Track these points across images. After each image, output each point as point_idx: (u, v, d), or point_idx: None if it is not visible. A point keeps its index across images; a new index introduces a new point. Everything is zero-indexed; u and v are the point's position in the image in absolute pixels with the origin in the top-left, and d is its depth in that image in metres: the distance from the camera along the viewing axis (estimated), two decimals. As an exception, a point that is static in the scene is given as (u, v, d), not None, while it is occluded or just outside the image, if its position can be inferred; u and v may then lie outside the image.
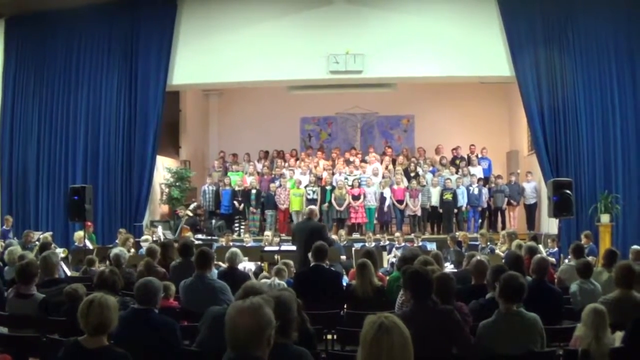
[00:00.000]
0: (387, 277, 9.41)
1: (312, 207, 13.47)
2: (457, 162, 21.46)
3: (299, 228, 12.44)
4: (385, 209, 19.79)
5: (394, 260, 15.12)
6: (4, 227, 17.82)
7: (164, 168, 21.56)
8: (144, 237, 16.51)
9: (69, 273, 12.07)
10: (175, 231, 18.86)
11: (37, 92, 19.64)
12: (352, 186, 19.82)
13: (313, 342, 5.56)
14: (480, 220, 20.16)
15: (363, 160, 21.67)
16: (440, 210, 19.82)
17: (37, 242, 14.99)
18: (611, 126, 17.44)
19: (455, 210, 19.76)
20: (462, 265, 10.46)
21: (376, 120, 25.50)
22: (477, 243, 15.67)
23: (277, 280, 8.88)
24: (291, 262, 10.52)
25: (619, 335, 6.03)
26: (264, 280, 8.94)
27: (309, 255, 9.15)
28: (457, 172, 20.66)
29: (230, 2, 19.18)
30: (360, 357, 3.38)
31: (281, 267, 9.64)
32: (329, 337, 7.33)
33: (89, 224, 17.32)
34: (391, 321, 3.35)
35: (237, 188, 20.50)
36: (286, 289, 5.69)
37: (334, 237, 17.23)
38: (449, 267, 12.48)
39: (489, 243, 15.50)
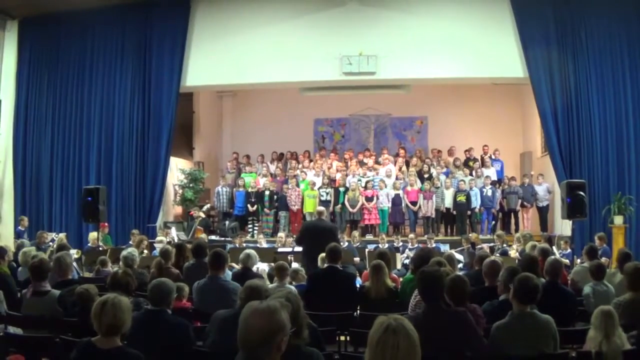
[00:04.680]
0: (401, 279, 9.41)
1: (321, 207, 13.50)
2: (471, 163, 21.40)
3: (314, 227, 12.46)
4: (404, 209, 19.80)
5: (407, 261, 15.14)
6: (19, 227, 17.93)
7: (177, 169, 21.63)
8: (158, 238, 16.56)
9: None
10: (188, 232, 18.89)
11: (51, 93, 19.70)
12: (365, 188, 19.83)
13: (321, 344, 5.54)
14: (493, 222, 20.06)
15: (376, 162, 21.68)
16: (454, 212, 19.79)
17: (50, 243, 15.04)
18: (624, 127, 17.38)
19: (469, 212, 19.71)
20: (474, 267, 10.44)
21: (389, 121, 25.49)
22: (490, 244, 15.71)
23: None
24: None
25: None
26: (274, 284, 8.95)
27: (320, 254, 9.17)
28: (470, 174, 20.58)
29: (244, 3, 19.18)
30: (366, 358, 3.38)
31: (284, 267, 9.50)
32: (342, 338, 7.33)
33: (105, 224, 17.39)
34: (399, 323, 3.35)
35: (250, 189, 20.54)
36: (290, 290, 5.67)
37: (346, 238, 17.32)
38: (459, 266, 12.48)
39: (504, 244, 15.51)
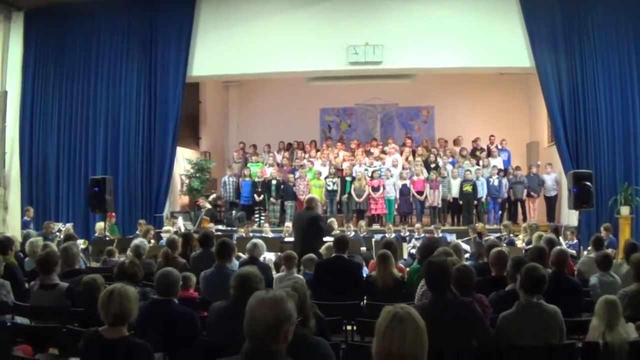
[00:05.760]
0: (407, 269, 9.41)
1: (312, 195, 13.51)
2: (477, 153, 21.38)
3: (297, 217, 12.53)
4: (411, 199, 19.79)
5: (413, 251, 15.13)
6: (25, 217, 17.95)
7: (184, 159, 21.61)
8: (164, 228, 16.60)
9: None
10: (195, 222, 18.90)
11: (57, 84, 19.67)
12: (372, 177, 19.81)
13: (326, 333, 5.53)
14: (500, 212, 20.06)
15: (383, 152, 21.67)
16: (460, 202, 19.77)
17: (57, 233, 15.06)
18: (631, 118, 17.35)
19: (475, 202, 19.67)
20: (481, 257, 10.41)
21: (396, 111, 25.48)
22: (497, 234, 15.66)
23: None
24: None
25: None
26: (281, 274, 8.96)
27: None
28: (477, 164, 20.55)
29: (250, -7, 19.17)
30: (374, 346, 3.38)
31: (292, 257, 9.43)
32: (349, 328, 7.33)
33: (112, 215, 17.42)
34: (406, 312, 3.34)
35: (256, 179, 20.54)
36: (297, 279, 5.66)
37: (353, 228, 17.33)
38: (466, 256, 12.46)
39: (511, 235, 15.49)
